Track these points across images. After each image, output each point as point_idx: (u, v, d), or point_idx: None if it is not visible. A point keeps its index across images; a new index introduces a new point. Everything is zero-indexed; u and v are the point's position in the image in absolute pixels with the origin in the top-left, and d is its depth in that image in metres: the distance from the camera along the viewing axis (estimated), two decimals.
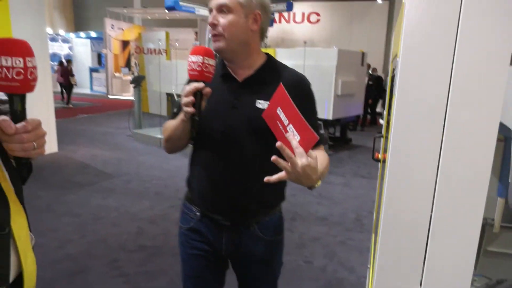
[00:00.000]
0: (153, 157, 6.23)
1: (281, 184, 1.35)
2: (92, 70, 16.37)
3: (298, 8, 13.56)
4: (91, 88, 16.28)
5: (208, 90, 1.14)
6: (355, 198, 4.70)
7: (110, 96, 15.21)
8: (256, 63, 1.30)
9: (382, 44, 13.15)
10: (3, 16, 5.01)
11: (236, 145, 1.26)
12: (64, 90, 12.30)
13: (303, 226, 3.76)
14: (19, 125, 0.79)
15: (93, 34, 16.41)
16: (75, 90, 12.87)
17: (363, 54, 6.98)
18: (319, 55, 6.69)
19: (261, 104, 1.24)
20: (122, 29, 15.50)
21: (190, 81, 1.17)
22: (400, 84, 0.85)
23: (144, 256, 3.06)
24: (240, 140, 1.26)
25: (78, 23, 18.03)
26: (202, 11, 6.73)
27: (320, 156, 1.20)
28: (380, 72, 10.54)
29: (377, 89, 9.38)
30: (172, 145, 1.34)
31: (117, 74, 15.66)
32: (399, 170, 0.91)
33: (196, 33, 12.73)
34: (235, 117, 1.26)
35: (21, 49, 0.76)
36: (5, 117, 0.79)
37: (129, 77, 15.74)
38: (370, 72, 9.56)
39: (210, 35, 1.26)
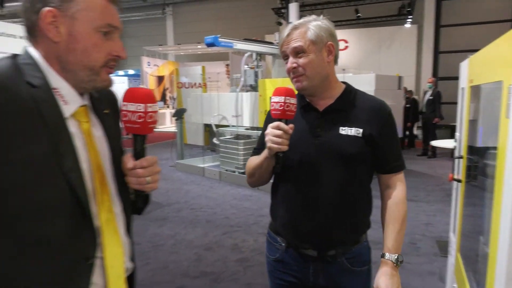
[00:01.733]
0: (197, 186, 6.41)
1: (366, 211, 1.38)
2: None
3: None
4: None
5: (291, 126, 1.20)
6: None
7: None
8: (335, 92, 1.34)
9: (413, 67, 13.13)
10: None
11: (321, 174, 1.29)
12: None
13: None
14: (137, 161, 0.91)
15: (130, 71, 17.30)
16: None
17: (399, 78, 7.05)
18: (356, 81, 6.82)
19: (345, 130, 1.28)
20: (157, 66, 16.28)
21: (272, 119, 1.23)
22: None
23: (208, 282, 3.16)
24: (325, 169, 1.28)
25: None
26: (240, 45, 7.05)
27: (395, 215, 1.34)
28: (414, 95, 10.50)
29: (414, 112, 9.33)
30: (255, 180, 1.40)
31: None
32: None
33: (227, 65, 13.19)
34: (319, 145, 1.29)
35: (143, 96, 0.89)
36: (129, 154, 0.93)
37: (165, 111, 16.40)
38: (407, 95, 9.55)
39: (291, 79, 1.31)
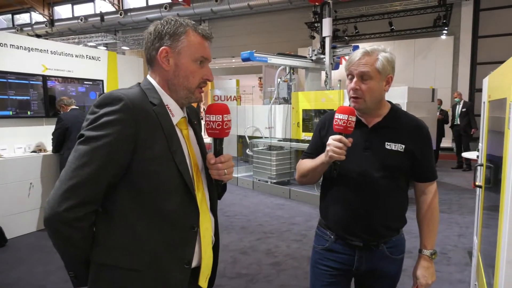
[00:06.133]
0: (231, 195, 6.67)
1: (404, 211, 1.62)
2: None
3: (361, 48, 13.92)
4: None
5: (350, 140, 1.43)
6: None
7: None
8: (383, 111, 1.57)
9: (449, 79, 12.91)
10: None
11: (369, 181, 1.51)
12: None
13: None
14: (217, 158, 1.20)
15: None
16: None
17: (433, 90, 7.05)
18: (389, 94, 6.87)
19: (390, 145, 1.52)
20: None
21: (331, 131, 1.48)
22: None
23: (244, 282, 3.38)
24: (373, 177, 1.51)
25: None
26: (274, 60, 7.32)
27: (430, 219, 1.60)
28: (447, 107, 10.32)
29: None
30: (307, 180, 1.64)
31: None
32: None
33: (260, 78, 13.50)
34: (368, 157, 1.52)
35: (219, 109, 1.18)
36: (211, 153, 1.23)
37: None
38: (441, 107, 9.44)
39: (349, 98, 1.53)
